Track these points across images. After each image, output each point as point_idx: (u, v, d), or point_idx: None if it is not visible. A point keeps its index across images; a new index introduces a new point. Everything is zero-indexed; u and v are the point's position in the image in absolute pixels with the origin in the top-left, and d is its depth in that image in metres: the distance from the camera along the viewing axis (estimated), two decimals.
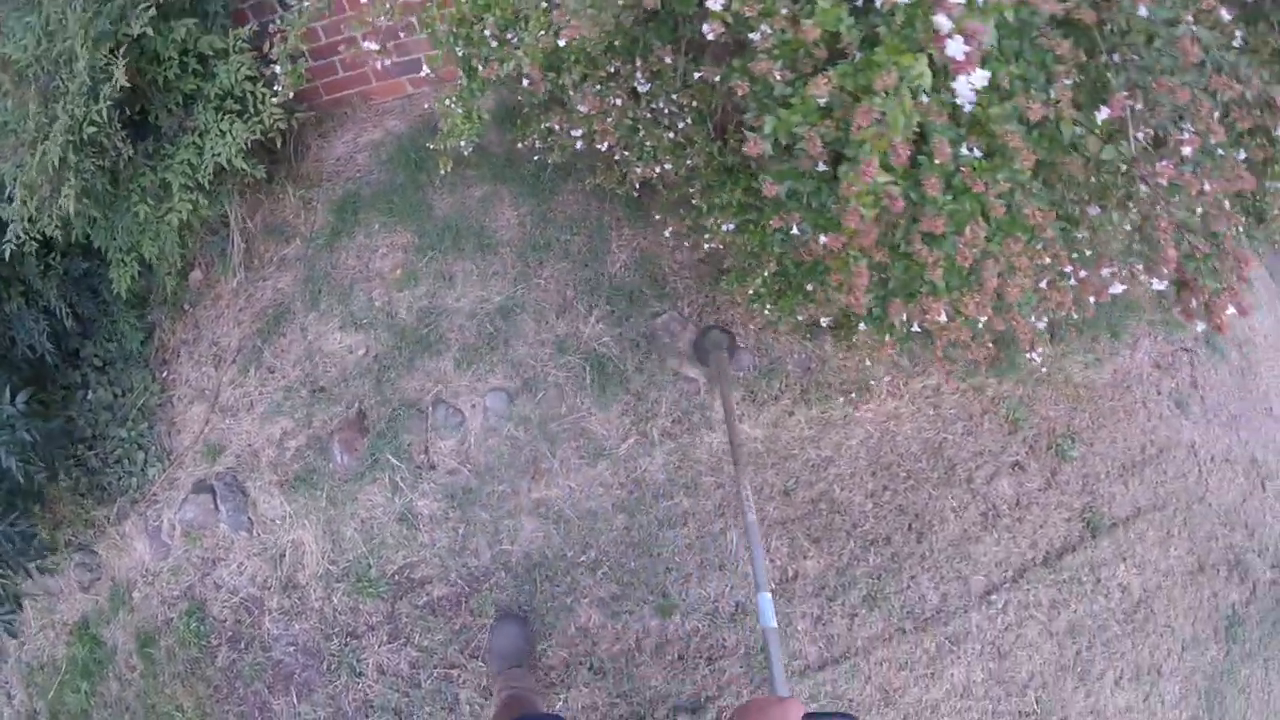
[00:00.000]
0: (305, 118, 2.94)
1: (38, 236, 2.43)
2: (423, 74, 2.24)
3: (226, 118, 2.65)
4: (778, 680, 1.38)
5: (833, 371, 2.78)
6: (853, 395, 2.77)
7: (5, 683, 2.94)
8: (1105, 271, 1.85)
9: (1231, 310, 1.60)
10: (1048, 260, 1.75)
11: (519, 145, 2.60)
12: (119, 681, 2.84)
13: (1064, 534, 2.90)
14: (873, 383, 2.78)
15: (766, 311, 2.45)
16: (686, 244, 2.79)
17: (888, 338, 2.15)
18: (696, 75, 2.07)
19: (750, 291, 2.42)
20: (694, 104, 2.27)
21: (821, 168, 1.61)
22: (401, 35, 2.91)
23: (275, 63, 2.23)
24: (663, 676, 2.47)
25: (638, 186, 2.48)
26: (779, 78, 1.57)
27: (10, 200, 2.40)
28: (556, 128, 2.35)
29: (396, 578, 2.60)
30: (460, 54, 2.08)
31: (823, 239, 1.84)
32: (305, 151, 3.11)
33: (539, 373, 2.68)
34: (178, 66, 2.61)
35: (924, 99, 1.39)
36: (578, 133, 2.37)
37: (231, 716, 2.67)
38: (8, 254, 2.44)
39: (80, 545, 2.92)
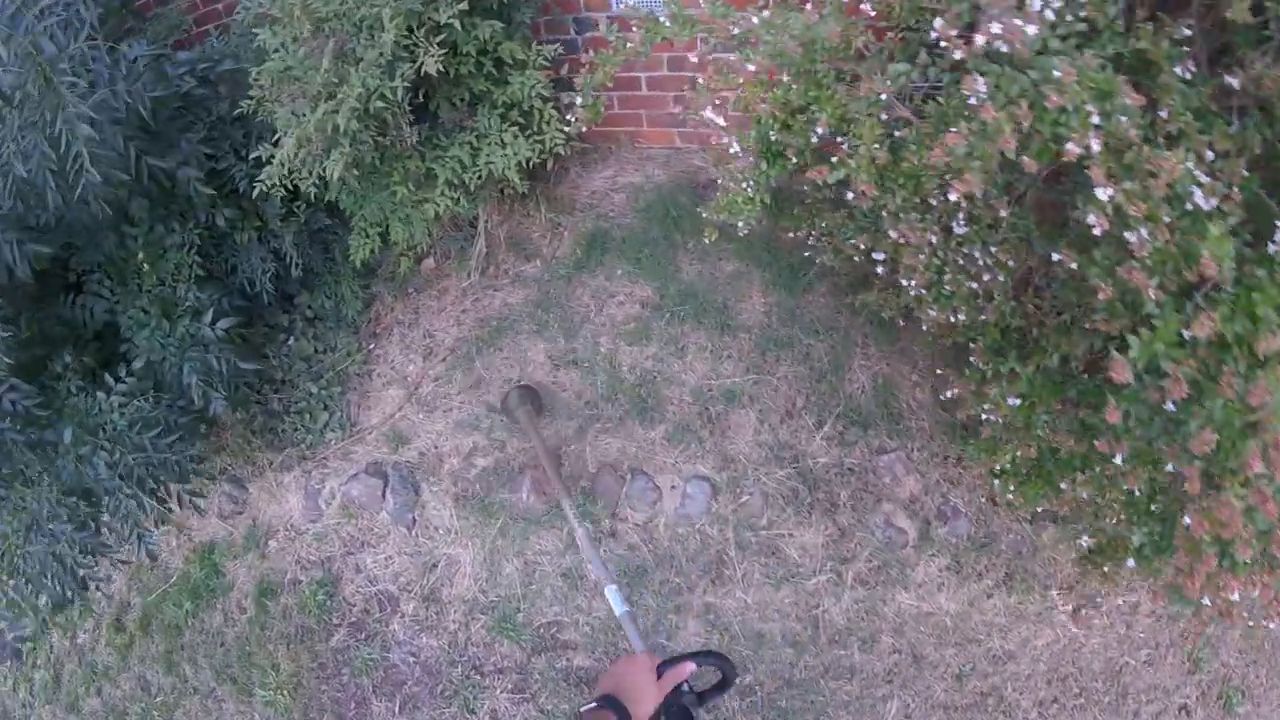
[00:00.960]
0: (582, 146, 2.93)
1: (291, 186, 2.43)
2: (732, 150, 2.19)
3: (510, 129, 2.63)
4: (636, 645, 1.48)
5: (1042, 564, 2.62)
6: (1052, 593, 2.60)
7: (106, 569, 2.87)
8: None
9: None
10: None
11: (789, 235, 2.53)
12: (224, 615, 2.78)
13: None
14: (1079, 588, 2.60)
15: (1009, 495, 2.31)
16: (930, 385, 2.68)
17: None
18: (1054, 256, 1.97)
19: (995, 468, 2.29)
20: (1008, 261, 2.18)
21: (1170, 407, 1.50)
22: (686, 89, 2.88)
23: (578, 91, 2.20)
24: None
25: (903, 316, 2.40)
26: (1153, 295, 1.47)
27: (277, 145, 2.38)
28: (862, 246, 2.28)
29: (542, 631, 2.48)
30: (773, 139, 2.03)
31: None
32: (564, 175, 3.10)
33: (748, 473, 2.57)
34: (474, 64, 2.59)
35: None
36: (881, 255, 2.30)
37: (325, 697, 2.57)
38: (255, 192, 2.42)
39: (234, 477, 2.88)
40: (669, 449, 2.62)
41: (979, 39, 1.50)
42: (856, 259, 2.34)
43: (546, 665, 2.47)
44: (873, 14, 1.95)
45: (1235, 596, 1.91)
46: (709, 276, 2.88)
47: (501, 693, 2.47)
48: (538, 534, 2.55)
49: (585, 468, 2.62)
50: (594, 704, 1.12)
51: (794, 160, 2.06)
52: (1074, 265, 1.87)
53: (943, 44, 1.54)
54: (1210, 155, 1.53)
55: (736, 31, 1.90)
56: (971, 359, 2.32)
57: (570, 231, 3.01)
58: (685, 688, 1.22)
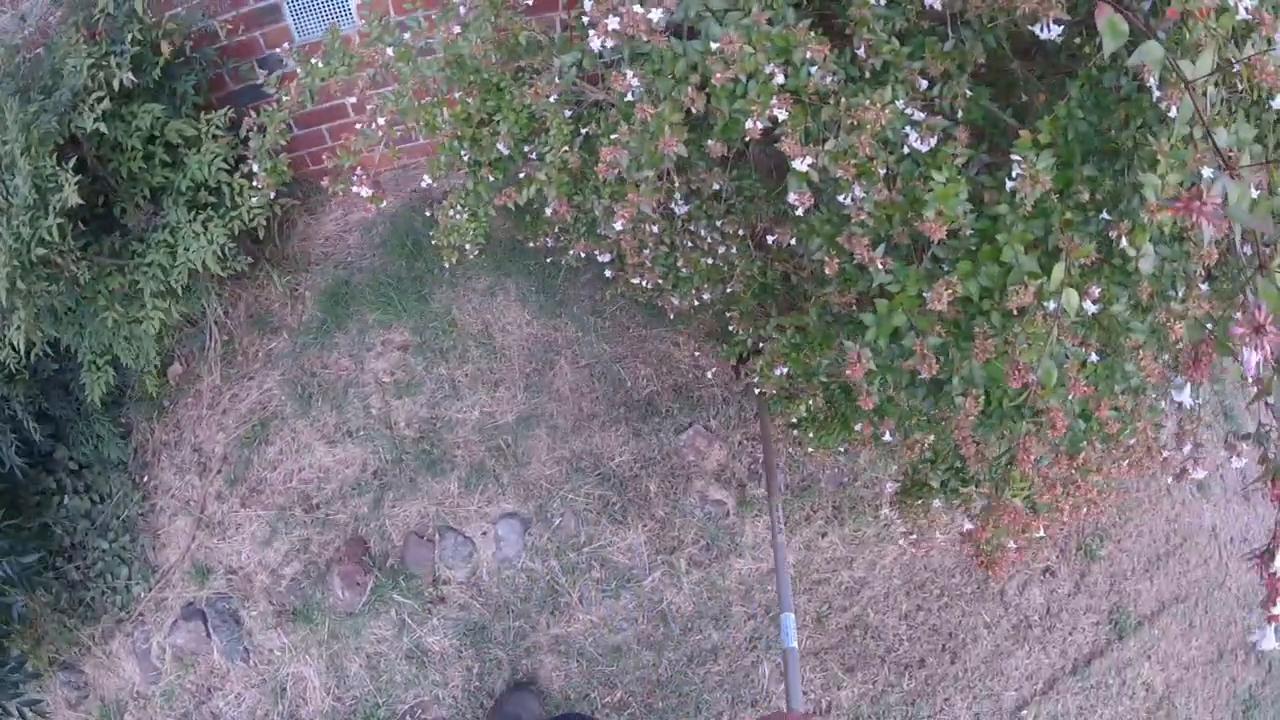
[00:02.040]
0: (289, 204, 2.66)
1: None
2: (424, 184, 1.99)
3: (200, 214, 2.36)
4: (794, 697, 1.41)
5: (866, 485, 2.63)
6: (883, 511, 2.63)
7: None
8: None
9: None
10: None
11: (529, 244, 2.36)
12: None
13: (1092, 639, 2.82)
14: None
15: (809, 444, 2.28)
16: (709, 352, 2.59)
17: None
18: (769, 238, 1.84)
19: (793, 419, 2.25)
20: (738, 231, 2.04)
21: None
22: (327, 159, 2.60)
23: (253, 159, 1.96)
24: None
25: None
26: (881, 265, 1.36)
27: None
28: (583, 254, 2.12)
29: (408, 717, 2.45)
30: (466, 159, 1.83)
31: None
32: (291, 230, 2.82)
33: (554, 496, 2.50)
34: (142, 157, 2.32)
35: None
36: (605, 258, 2.15)
37: None
38: None
39: (65, 664, 2.73)
40: (469, 496, 2.52)
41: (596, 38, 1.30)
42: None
43: None
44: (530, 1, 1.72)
45: (1040, 533, 1.92)
46: (463, 299, 2.70)
47: None
48: (367, 625, 2.47)
49: (390, 543, 2.51)
50: None
51: (493, 177, 1.86)
52: (793, 241, 1.75)
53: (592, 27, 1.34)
54: (924, 83, 1.35)
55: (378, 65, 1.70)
56: (731, 328, 2.22)
57: (310, 291, 2.77)
58: None
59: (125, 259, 2.38)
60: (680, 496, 2.51)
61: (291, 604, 2.50)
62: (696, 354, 2.62)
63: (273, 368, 2.73)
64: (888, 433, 1.74)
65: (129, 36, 2.18)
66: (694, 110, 1.37)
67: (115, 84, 2.12)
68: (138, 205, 2.41)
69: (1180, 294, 1.31)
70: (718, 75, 1.27)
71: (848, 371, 1.38)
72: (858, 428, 1.97)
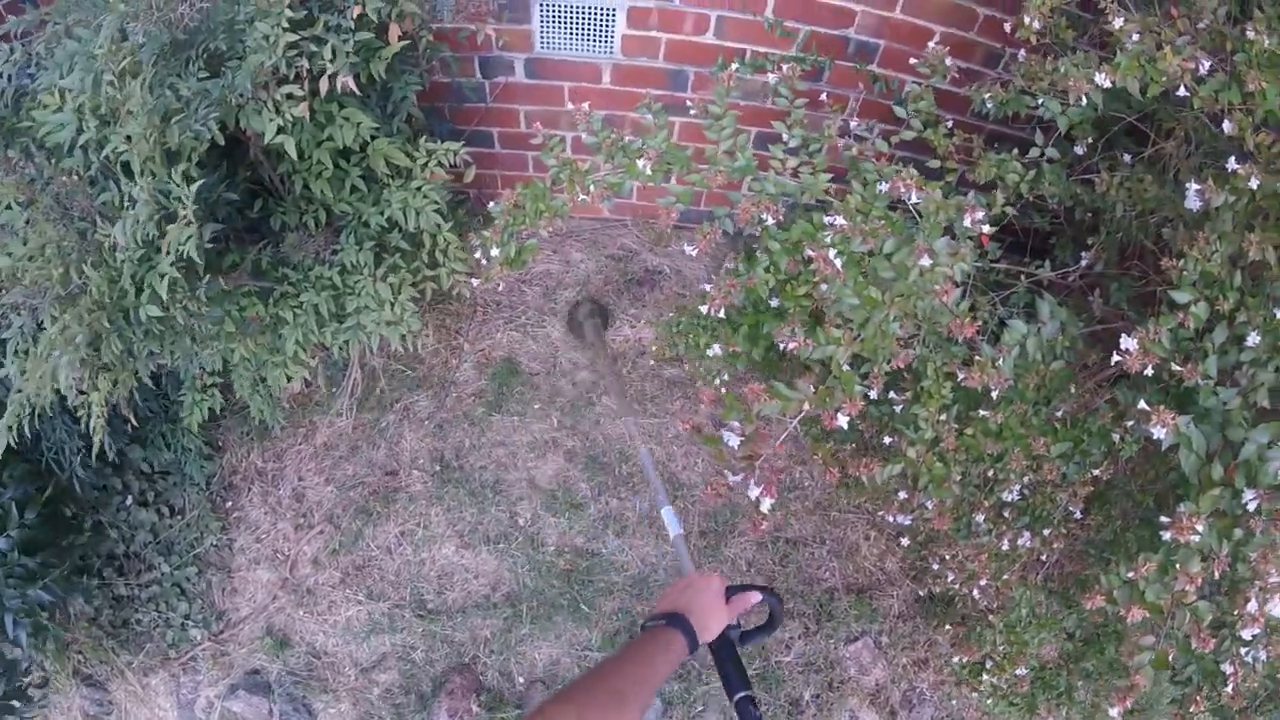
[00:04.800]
0: None
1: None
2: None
3: (387, 263, 1.91)
4: (686, 568, 1.41)
5: None
6: None
7: None
8: None
9: None
10: None
11: None
12: None
13: None
14: None
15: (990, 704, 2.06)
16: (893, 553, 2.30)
17: None
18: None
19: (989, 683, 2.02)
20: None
21: None
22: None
23: (488, 237, 1.56)
24: None
25: None
26: None
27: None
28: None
29: None
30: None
31: None
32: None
33: (701, 681, 2.22)
34: (329, 177, 1.83)
35: None
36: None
37: None
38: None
39: (90, 678, 2.39)
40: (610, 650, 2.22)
41: None
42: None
43: None
44: None
45: None
46: (665, 425, 2.30)
47: None
48: None
49: (511, 683, 2.21)
50: (661, 621, 1.02)
51: None
52: None
53: None
54: None
55: None
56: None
57: (472, 348, 2.32)
58: (734, 622, 1.13)
59: (272, 283, 1.89)
60: (830, 713, 2.26)
61: (380, 717, 2.20)
62: (886, 558, 2.32)
63: (411, 427, 2.31)
64: None
65: (355, 8, 1.62)
66: None
67: (324, 83, 1.59)
68: (306, 228, 1.91)
69: None
70: None
71: None
72: None
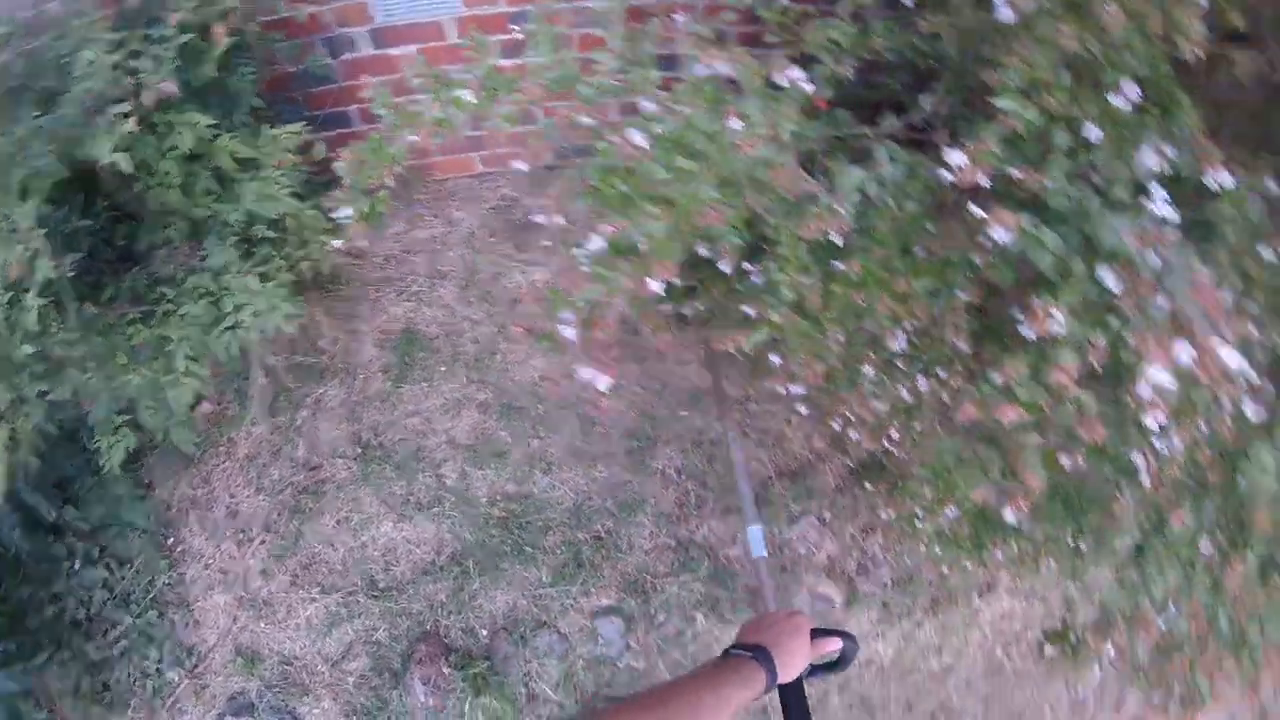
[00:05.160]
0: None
1: None
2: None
3: (255, 256, 1.95)
4: (769, 600, 1.46)
5: (960, 574, 2.43)
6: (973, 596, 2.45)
7: None
8: None
9: None
10: None
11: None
12: None
13: None
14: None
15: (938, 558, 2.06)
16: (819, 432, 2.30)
17: None
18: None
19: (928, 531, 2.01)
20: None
21: None
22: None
23: (341, 196, 1.63)
24: None
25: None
26: None
27: None
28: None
29: None
30: None
31: None
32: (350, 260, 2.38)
33: (659, 590, 2.23)
34: (180, 186, 1.87)
35: None
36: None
37: None
38: None
39: None
40: (563, 589, 2.23)
41: None
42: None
43: None
44: None
45: None
46: (554, 360, 2.32)
47: None
48: None
49: (475, 639, 2.22)
50: (747, 653, 0.99)
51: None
52: None
53: None
54: None
55: None
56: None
57: (370, 327, 2.36)
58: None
59: (151, 305, 1.93)
60: (790, 586, 2.26)
61: (362, 705, 2.21)
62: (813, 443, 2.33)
63: (325, 418, 2.34)
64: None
65: (173, 16, 1.67)
66: None
67: (149, 96, 1.63)
68: (171, 241, 1.95)
69: None
70: None
71: None
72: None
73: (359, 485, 2.29)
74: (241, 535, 2.33)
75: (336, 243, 1.89)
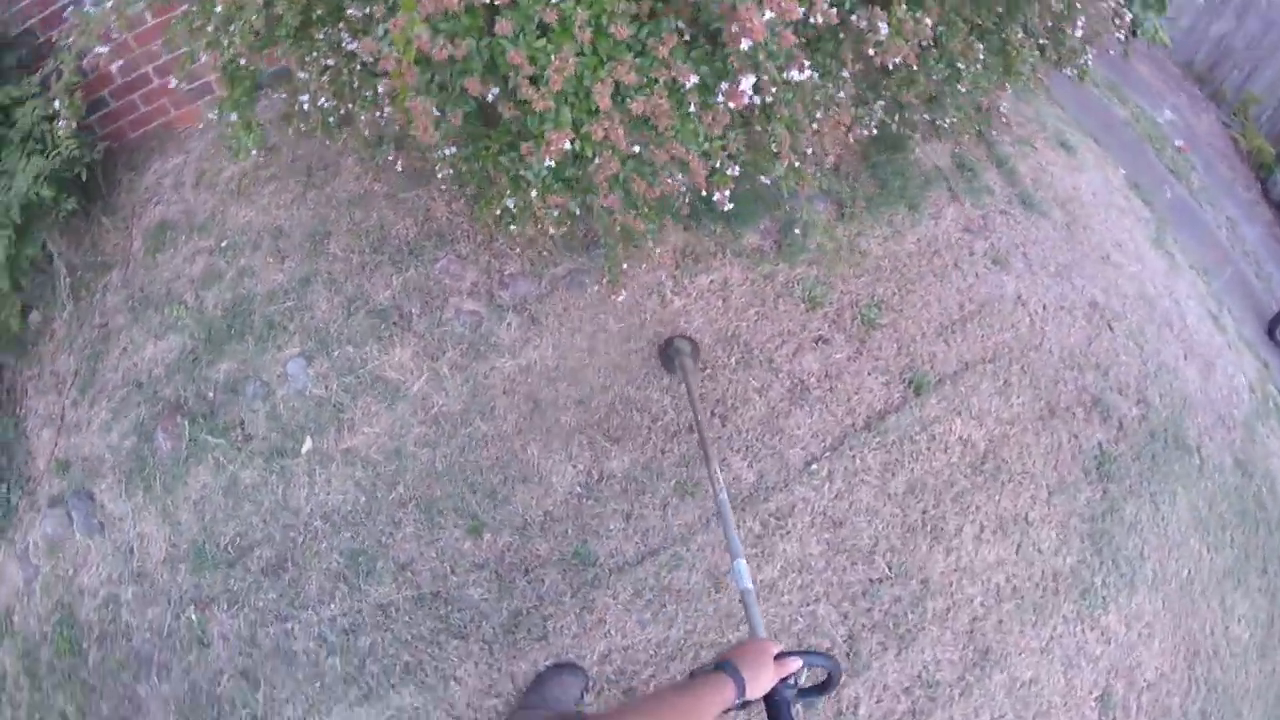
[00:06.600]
0: (107, 148, 3.18)
1: None
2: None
3: (29, 158, 2.88)
4: (758, 629, 1.50)
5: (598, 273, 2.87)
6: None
7: None
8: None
9: None
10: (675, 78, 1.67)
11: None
12: (10, 705, 3.00)
13: (884, 397, 2.91)
14: (660, 284, 2.86)
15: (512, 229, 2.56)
16: (456, 190, 2.93)
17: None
18: None
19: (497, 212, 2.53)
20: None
21: None
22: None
23: (55, 99, 2.43)
24: (480, 592, 2.55)
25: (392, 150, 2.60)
26: None
27: None
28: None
29: (229, 548, 2.73)
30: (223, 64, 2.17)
31: None
32: (117, 185, 3.34)
33: (333, 334, 2.83)
34: None
35: None
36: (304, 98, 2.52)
37: (106, 711, 2.81)
38: None
39: None
40: (265, 349, 2.87)
41: None
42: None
43: (244, 572, 2.69)
44: None
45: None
46: (254, 201, 3.13)
47: (221, 614, 2.68)
48: (190, 472, 2.79)
49: (204, 400, 2.86)
50: (711, 667, 1.18)
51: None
52: None
53: None
54: None
55: None
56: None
57: (137, 230, 3.25)
58: (790, 681, 1.25)
59: None
60: (439, 313, 2.80)
61: (128, 468, 2.85)
62: (453, 205, 2.97)
63: (111, 294, 3.18)
64: None
65: None
66: None
67: None
68: None
69: None
70: None
71: None
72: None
73: (132, 327, 3.08)
74: (59, 385, 3.13)
75: (63, 131, 2.82)
